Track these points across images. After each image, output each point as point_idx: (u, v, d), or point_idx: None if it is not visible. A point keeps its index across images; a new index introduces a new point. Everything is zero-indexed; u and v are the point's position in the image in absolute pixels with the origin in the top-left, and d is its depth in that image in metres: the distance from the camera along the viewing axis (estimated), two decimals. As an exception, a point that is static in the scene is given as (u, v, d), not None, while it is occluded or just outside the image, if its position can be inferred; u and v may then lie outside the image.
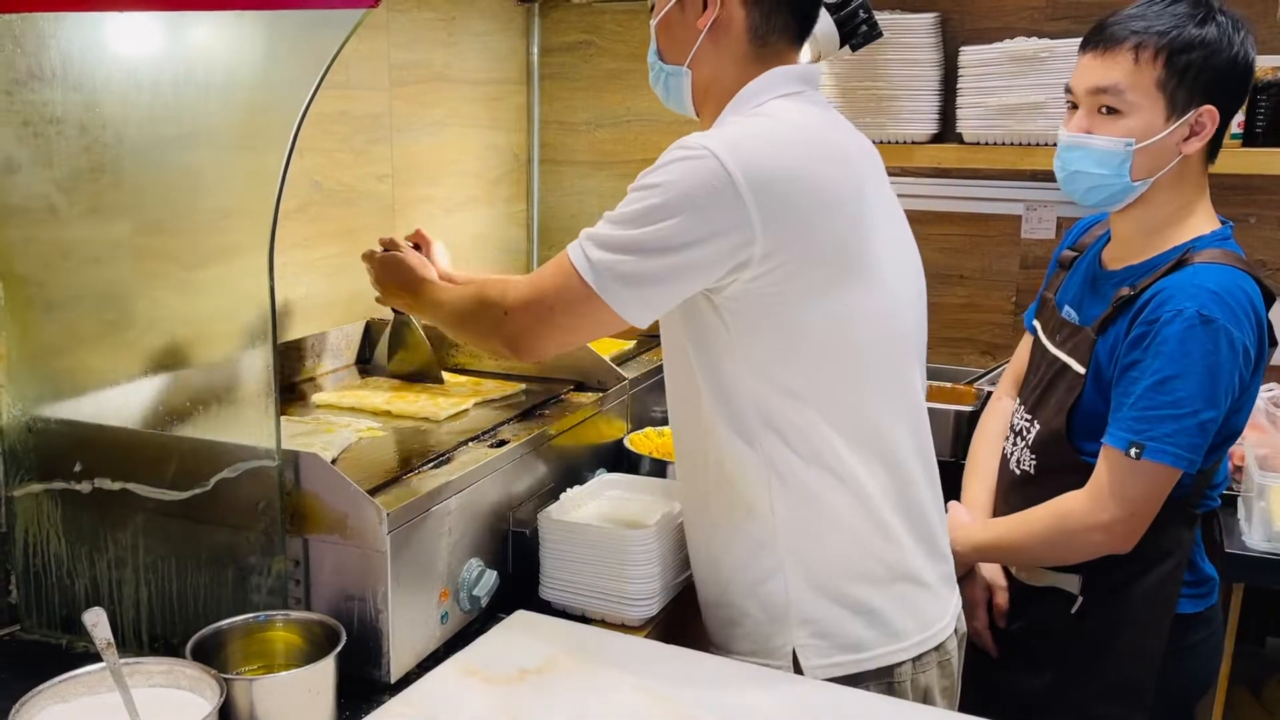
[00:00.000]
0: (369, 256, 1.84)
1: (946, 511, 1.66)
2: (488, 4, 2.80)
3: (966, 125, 2.60)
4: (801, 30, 1.49)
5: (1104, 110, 1.64)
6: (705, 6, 1.45)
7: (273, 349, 1.35)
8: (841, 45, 2.10)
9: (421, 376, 2.07)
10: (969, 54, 2.57)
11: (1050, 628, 1.76)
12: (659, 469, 1.99)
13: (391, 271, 1.78)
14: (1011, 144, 2.57)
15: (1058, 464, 1.71)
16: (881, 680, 1.46)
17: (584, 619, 1.65)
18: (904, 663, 1.47)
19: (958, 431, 2.43)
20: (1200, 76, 1.60)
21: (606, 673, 1.40)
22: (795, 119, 1.43)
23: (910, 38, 2.61)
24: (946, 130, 2.70)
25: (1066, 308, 1.80)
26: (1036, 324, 1.89)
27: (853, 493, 1.44)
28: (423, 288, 1.72)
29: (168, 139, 1.39)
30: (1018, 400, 1.87)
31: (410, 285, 1.75)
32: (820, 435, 1.42)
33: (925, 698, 1.49)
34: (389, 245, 1.84)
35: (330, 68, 1.28)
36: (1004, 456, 1.88)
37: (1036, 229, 2.79)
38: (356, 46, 2.03)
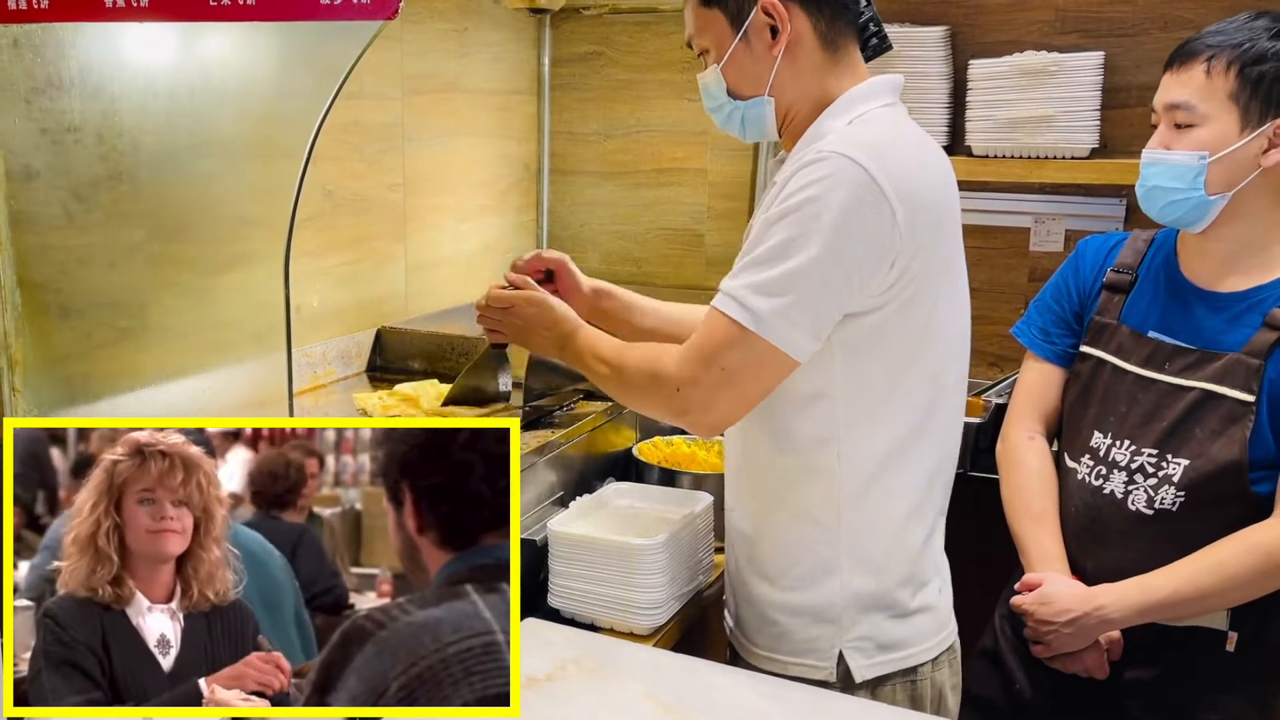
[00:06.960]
0: (490, 307, 1.66)
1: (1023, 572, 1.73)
2: (500, 15, 2.81)
3: (976, 138, 2.60)
4: (857, 30, 1.48)
5: (1179, 126, 1.62)
6: (774, 34, 1.42)
7: (288, 356, 1.36)
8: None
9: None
10: (978, 67, 2.58)
11: (1201, 670, 1.68)
12: (668, 478, 1.99)
13: (533, 317, 1.62)
14: (1020, 157, 2.57)
15: (1217, 496, 1.62)
16: (906, 679, 1.49)
17: (593, 628, 1.65)
18: (926, 662, 1.50)
19: (966, 443, 2.43)
20: (1275, 88, 1.57)
21: (615, 681, 1.40)
22: (909, 131, 1.45)
23: (920, 51, 2.62)
24: (956, 143, 2.70)
25: (1153, 332, 1.71)
26: (1096, 351, 1.77)
27: (912, 502, 1.47)
28: (576, 339, 1.56)
29: (183, 148, 1.40)
30: (1105, 435, 1.72)
31: (558, 335, 1.58)
32: (893, 445, 1.43)
33: (940, 695, 1.52)
34: (518, 285, 1.67)
35: (346, 78, 1.29)
36: (1089, 497, 1.73)
37: (1045, 242, 2.79)
38: (369, 56, 2.04)
